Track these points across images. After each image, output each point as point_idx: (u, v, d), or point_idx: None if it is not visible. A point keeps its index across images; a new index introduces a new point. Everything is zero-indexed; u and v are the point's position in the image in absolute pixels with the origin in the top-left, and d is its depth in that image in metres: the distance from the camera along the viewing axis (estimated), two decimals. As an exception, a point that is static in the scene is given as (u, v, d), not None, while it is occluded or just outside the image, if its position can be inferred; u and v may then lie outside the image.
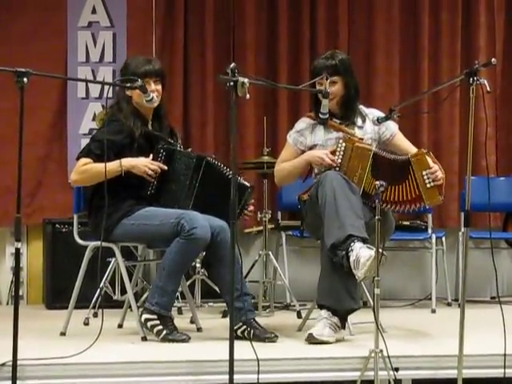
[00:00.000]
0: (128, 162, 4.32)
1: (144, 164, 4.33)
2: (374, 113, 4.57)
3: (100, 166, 4.26)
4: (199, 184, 4.38)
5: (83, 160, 4.36)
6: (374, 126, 4.52)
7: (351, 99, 4.51)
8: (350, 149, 4.32)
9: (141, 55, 4.76)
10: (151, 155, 4.37)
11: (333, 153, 4.34)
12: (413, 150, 4.49)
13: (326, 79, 4.36)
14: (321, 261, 4.24)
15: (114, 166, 4.29)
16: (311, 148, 4.51)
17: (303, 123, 4.59)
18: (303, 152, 4.52)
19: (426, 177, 4.26)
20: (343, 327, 4.24)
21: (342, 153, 4.32)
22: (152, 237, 4.32)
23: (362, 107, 4.60)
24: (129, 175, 4.32)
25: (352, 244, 4.01)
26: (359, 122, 4.53)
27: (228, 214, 4.40)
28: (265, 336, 4.22)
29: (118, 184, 4.30)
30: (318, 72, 4.42)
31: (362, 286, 4.85)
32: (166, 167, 4.35)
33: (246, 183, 4.56)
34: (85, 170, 4.34)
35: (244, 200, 4.48)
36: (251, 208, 4.58)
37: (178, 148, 4.48)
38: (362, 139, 4.41)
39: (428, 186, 4.26)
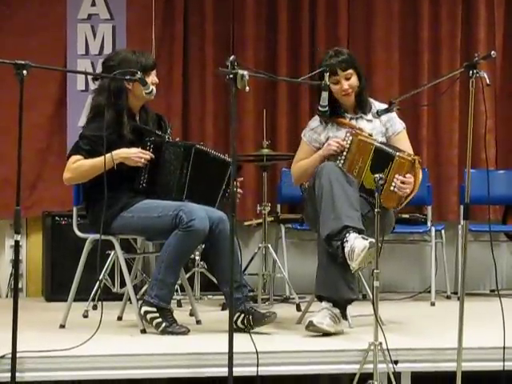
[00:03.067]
0: (119, 155, 4.29)
1: (136, 155, 4.30)
2: (382, 107, 4.55)
3: (91, 161, 4.27)
4: (191, 173, 4.37)
5: (74, 157, 4.36)
6: (381, 120, 4.52)
7: (364, 90, 4.54)
8: (355, 142, 4.32)
9: (128, 49, 4.75)
10: (140, 148, 4.34)
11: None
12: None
13: (329, 75, 4.36)
14: (318, 252, 4.24)
15: (106, 160, 4.26)
16: (325, 144, 4.50)
17: (316, 121, 4.58)
18: (318, 149, 4.49)
19: (395, 179, 4.25)
20: (344, 318, 4.25)
21: (348, 146, 4.32)
22: (151, 229, 4.31)
23: (372, 100, 4.61)
24: (122, 168, 4.30)
25: (347, 235, 4.01)
26: (369, 115, 4.53)
27: (219, 200, 4.40)
28: (264, 316, 4.19)
29: (114, 177, 4.28)
30: (333, 70, 4.39)
31: (362, 279, 4.86)
32: (153, 156, 4.31)
33: (229, 159, 4.48)
34: (77, 167, 4.34)
35: (228, 177, 4.45)
36: (240, 191, 4.49)
37: (166, 139, 4.45)
38: (371, 135, 4.41)
39: (391, 188, 4.26)
